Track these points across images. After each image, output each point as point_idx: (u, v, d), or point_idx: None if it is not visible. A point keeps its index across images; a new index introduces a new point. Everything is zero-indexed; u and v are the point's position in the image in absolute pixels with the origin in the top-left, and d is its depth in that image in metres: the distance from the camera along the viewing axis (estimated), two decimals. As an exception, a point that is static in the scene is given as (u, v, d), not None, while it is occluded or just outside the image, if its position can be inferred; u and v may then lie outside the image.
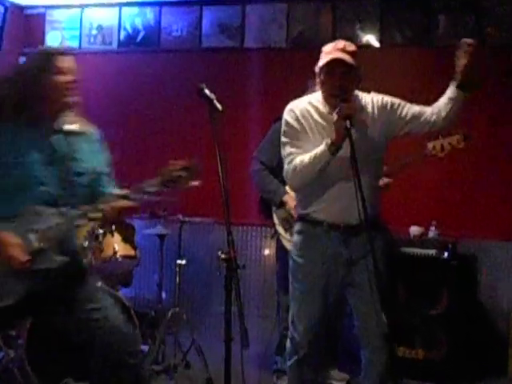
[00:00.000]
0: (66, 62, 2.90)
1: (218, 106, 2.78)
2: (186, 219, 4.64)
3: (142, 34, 6.07)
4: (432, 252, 4.71)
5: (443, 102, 3.20)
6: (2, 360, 4.16)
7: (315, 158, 3.06)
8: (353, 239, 3.20)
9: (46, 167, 2.78)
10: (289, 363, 3.34)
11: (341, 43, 3.19)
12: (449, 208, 5.07)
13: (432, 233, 4.92)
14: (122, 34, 6.19)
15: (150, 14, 6.08)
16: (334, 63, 3.10)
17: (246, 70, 5.63)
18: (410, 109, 3.24)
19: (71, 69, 2.90)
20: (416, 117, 3.23)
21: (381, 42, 5.51)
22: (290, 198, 4.10)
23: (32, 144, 2.77)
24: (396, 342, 4.41)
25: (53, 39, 6.40)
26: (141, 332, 4.37)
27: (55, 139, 2.83)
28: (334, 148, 3.00)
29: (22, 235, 2.70)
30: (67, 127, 2.88)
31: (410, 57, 5.48)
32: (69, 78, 2.86)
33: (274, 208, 4.36)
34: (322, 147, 3.05)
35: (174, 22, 5.93)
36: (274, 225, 4.40)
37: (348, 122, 2.93)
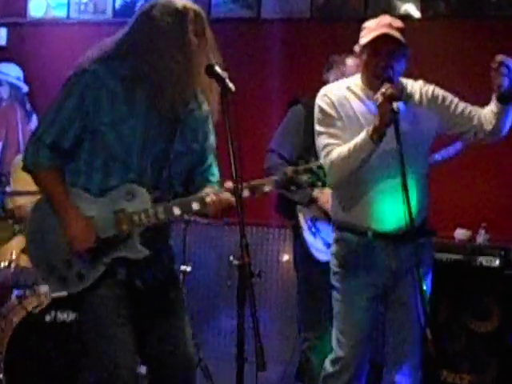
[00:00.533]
0: None
1: (231, 85, 2.76)
2: (192, 219, 4.64)
3: (140, 1, 6.09)
4: (481, 259, 4.70)
5: (489, 115, 3.22)
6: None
7: (355, 148, 3.06)
8: (402, 248, 3.21)
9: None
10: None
11: (386, 18, 3.23)
12: (501, 209, 5.06)
13: (481, 237, 4.92)
14: (118, 2, 6.25)
15: (150, -21, 6.11)
16: (380, 40, 3.12)
17: (263, 45, 5.65)
18: (465, 108, 3.27)
19: None
20: (468, 118, 3.25)
21: (422, 12, 5.51)
22: (322, 192, 4.09)
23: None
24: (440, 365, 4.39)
25: (36, 8, 6.45)
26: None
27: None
28: (377, 135, 3.00)
29: (105, 215, 2.76)
30: None
31: (455, 30, 5.48)
32: None
33: (299, 207, 4.36)
34: (362, 135, 3.04)
35: None
36: (297, 228, 4.39)
37: (395, 105, 2.93)
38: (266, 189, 2.78)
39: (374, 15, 5.28)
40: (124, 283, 2.83)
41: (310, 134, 4.24)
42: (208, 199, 2.73)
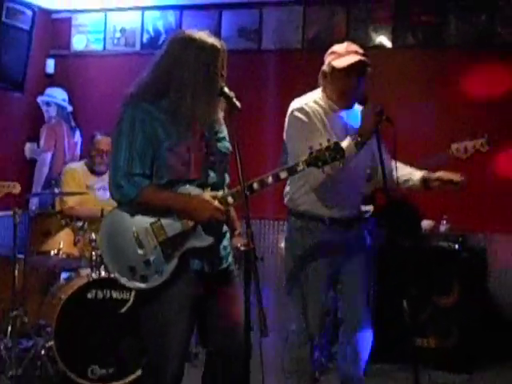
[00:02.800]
0: None
1: (237, 103, 2.76)
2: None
3: (163, 37, 6.09)
4: (443, 245, 4.72)
5: (404, 175, 3.27)
6: (32, 348, 4.22)
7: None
8: (350, 232, 3.24)
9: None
10: (294, 355, 3.33)
11: (353, 46, 3.19)
12: (459, 203, 5.05)
13: (443, 227, 4.93)
14: (145, 37, 6.23)
15: (171, 17, 6.12)
16: (355, 65, 3.09)
17: (264, 71, 5.65)
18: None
19: None
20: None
21: (393, 42, 5.50)
22: None
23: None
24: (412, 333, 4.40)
25: (78, 42, 6.45)
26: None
27: None
28: (361, 144, 2.97)
29: (170, 218, 2.74)
30: None
31: (421, 57, 5.46)
32: None
33: None
34: (346, 143, 2.95)
35: (195, 25, 5.84)
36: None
37: (384, 117, 2.93)
38: (299, 168, 2.77)
39: (356, 43, 5.32)
40: (196, 271, 2.79)
41: None
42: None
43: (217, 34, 5.71)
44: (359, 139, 2.96)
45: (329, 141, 2.81)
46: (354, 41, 5.36)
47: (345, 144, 2.97)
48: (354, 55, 3.12)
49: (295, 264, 3.27)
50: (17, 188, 3.28)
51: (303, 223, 3.24)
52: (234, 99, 2.71)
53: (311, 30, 5.65)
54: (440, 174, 3.30)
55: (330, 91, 3.20)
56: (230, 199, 2.74)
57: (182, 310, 2.79)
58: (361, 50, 3.18)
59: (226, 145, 2.90)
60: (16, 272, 4.27)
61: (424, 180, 3.28)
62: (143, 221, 2.76)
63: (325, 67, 3.21)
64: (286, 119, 3.25)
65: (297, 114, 3.18)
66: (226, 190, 2.85)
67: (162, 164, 2.75)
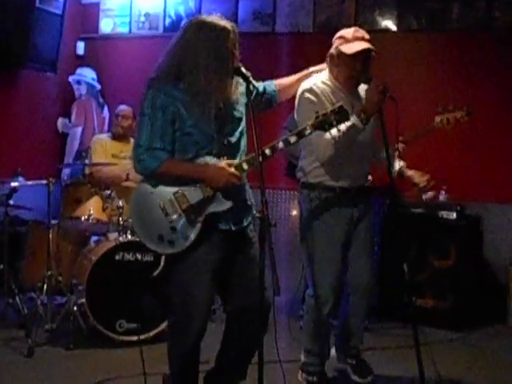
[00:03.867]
0: None
1: (254, 82, 2.77)
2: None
3: (184, 21, 6.04)
4: (442, 213, 4.69)
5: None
6: (65, 304, 4.26)
7: (349, 131, 2.97)
8: (359, 198, 3.24)
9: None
10: (312, 318, 3.30)
11: (360, 32, 3.15)
12: (457, 175, 5.04)
13: (442, 196, 4.90)
14: (167, 21, 6.22)
15: (191, 2, 6.10)
16: (364, 52, 3.06)
17: (277, 52, 5.62)
18: None
19: None
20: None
21: (398, 26, 5.44)
22: None
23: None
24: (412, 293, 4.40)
25: (106, 25, 6.44)
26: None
27: None
28: (367, 120, 2.95)
29: (191, 187, 2.75)
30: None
31: (424, 41, 5.38)
32: None
33: None
34: (353, 120, 2.94)
35: (213, 10, 5.84)
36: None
37: (388, 95, 2.92)
38: (307, 132, 2.77)
39: (364, 27, 5.23)
40: (224, 231, 2.80)
41: None
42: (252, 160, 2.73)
43: (234, 17, 5.74)
44: (363, 115, 2.94)
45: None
46: (361, 25, 5.37)
47: (352, 121, 2.96)
48: (361, 42, 3.09)
49: (310, 234, 3.25)
50: None
51: (316, 194, 3.22)
52: (251, 78, 2.73)
53: (322, 14, 5.60)
54: (411, 173, 3.38)
55: (336, 73, 3.19)
56: (244, 165, 2.74)
57: (206, 271, 2.81)
58: (367, 36, 3.14)
59: (240, 111, 2.87)
60: (50, 236, 4.31)
61: (400, 172, 3.34)
62: (167, 191, 2.77)
63: (332, 50, 3.18)
64: (297, 99, 3.21)
65: (306, 94, 3.15)
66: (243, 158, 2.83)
67: (187, 140, 2.76)
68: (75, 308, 4.10)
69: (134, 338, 3.96)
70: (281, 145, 2.78)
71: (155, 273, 4.05)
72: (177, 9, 6.15)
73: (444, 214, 4.69)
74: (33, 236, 4.78)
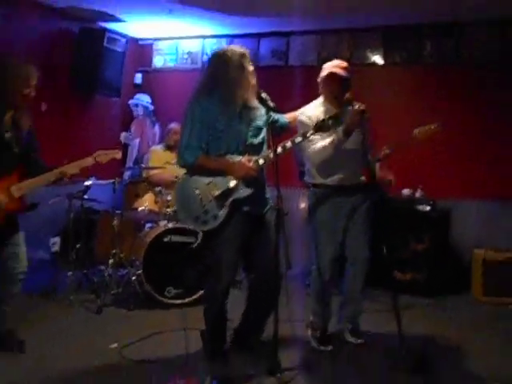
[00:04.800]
0: None
1: (271, 103, 2.80)
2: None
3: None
4: (418, 207, 4.66)
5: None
6: (126, 275, 4.30)
7: (333, 142, 3.00)
8: (352, 195, 3.22)
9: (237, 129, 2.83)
10: (316, 286, 3.31)
11: (336, 61, 3.19)
12: (431, 176, 4.99)
13: (418, 194, 4.86)
14: (204, 57, 6.17)
15: (223, 43, 6.07)
16: (330, 76, 3.11)
17: (290, 81, 5.56)
18: None
19: None
20: None
21: (384, 60, 5.38)
22: None
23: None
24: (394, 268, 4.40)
25: (158, 61, 6.44)
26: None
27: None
28: (349, 134, 2.97)
29: (219, 179, 2.80)
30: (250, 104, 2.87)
31: (407, 73, 5.31)
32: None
33: None
34: (338, 134, 2.98)
35: None
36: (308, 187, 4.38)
37: (365, 115, 2.92)
38: (309, 134, 2.83)
39: (356, 63, 5.24)
40: (246, 213, 2.83)
41: None
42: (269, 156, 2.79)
43: (256, 54, 5.73)
44: (345, 131, 2.96)
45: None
46: (354, 60, 5.37)
47: (337, 135, 3.00)
48: (332, 68, 3.13)
49: (313, 222, 3.27)
50: (119, 154, 3.28)
51: (317, 191, 3.24)
52: (269, 101, 2.79)
53: (324, 51, 5.55)
54: (380, 174, 3.38)
55: (323, 96, 3.22)
56: (261, 161, 2.80)
57: (233, 245, 2.84)
58: (342, 65, 3.15)
59: (262, 121, 2.90)
60: (115, 222, 4.35)
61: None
62: (202, 181, 2.82)
63: (318, 79, 3.22)
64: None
65: (300, 117, 3.19)
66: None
67: (220, 140, 2.80)
68: (134, 278, 4.13)
69: (179, 301, 4.01)
70: (289, 144, 2.83)
71: (194, 245, 4.08)
72: (212, 48, 6.13)
73: (420, 207, 4.66)
74: (102, 223, 4.83)
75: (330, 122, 2.79)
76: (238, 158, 2.79)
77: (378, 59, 5.40)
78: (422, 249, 4.57)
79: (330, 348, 3.27)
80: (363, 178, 3.32)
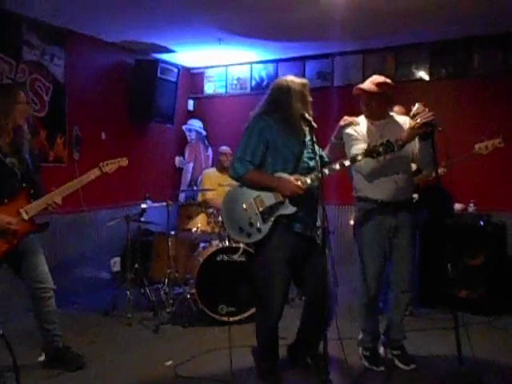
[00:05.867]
0: None
1: (314, 124, 2.77)
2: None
3: (265, 81, 6.10)
4: (471, 221, 4.45)
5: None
6: (181, 293, 4.33)
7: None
8: (399, 212, 3.08)
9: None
10: (362, 302, 3.20)
11: (372, 77, 3.12)
12: (483, 189, 4.76)
13: (471, 208, 4.65)
14: (253, 83, 6.25)
15: (270, 67, 6.12)
16: (358, 91, 3.07)
17: (335, 101, 5.53)
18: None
19: None
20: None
21: (430, 76, 5.24)
22: None
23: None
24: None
25: (209, 88, 6.57)
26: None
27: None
28: (402, 146, 2.87)
29: (268, 193, 2.81)
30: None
31: (452, 87, 5.14)
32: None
33: None
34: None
35: (287, 72, 5.76)
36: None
37: (428, 129, 2.80)
38: (359, 158, 2.79)
39: (402, 80, 5.12)
40: (296, 233, 2.81)
41: None
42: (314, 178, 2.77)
43: (302, 76, 5.70)
44: (400, 142, 2.84)
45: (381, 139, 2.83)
46: (399, 77, 5.26)
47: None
48: (360, 85, 3.09)
49: (360, 236, 3.17)
50: (125, 161, 3.26)
51: (363, 205, 3.14)
52: (312, 122, 2.78)
53: (368, 70, 5.47)
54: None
55: (365, 112, 3.16)
56: (308, 180, 2.77)
57: (282, 267, 2.80)
58: (378, 80, 3.07)
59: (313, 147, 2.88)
60: (169, 243, 4.41)
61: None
62: (249, 195, 2.83)
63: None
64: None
65: (346, 129, 3.14)
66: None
67: (278, 155, 2.83)
68: (188, 296, 4.17)
69: (232, 318, 3.99)
70: (337, 166, 2.78)
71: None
72: (260, 73, 6.20)
73: (473, 222, 4.45)
74: (158, 243, 4.90)
75: (381, 148, 2.72)
76: (286, 176, 2.78)
77: (423, 74, 5.27)
78: (477, 265, 4.34)
79: (381, 369, 3.13)
80: (415, 195, 3.19)
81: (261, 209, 2.79)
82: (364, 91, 3.07)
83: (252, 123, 2.85)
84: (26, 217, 2.95)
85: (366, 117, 3.13)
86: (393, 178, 3.05)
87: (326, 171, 2.76)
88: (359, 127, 3.11)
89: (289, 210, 2.77)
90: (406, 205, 3.12)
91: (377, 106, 3.07)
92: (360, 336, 3.29)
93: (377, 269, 3.11)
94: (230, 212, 2.87)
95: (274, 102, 2.87)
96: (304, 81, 2.90)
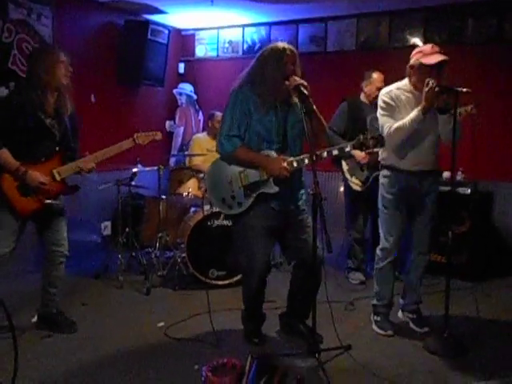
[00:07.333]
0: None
1: (305, 91, 2.69)
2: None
3: (258, 45, 5.99)
4: (459, 189, 4.47)
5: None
6: (172, 257, 4.36)
7: (411, 121, 2.93)
8: (424, 180, 3.10)
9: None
10: (380, 266, 3.21)
11: (436, 47, 3.00)
12: (471, 158, 4.72)
13: (459, 176, 4.67)
14: (245, 46, 6.14)
15: (263, 31, 6.00)
16: (441, 63, 2.93)
17: (328, 66, 5.47)
18: None
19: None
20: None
21: (424, 42, 5.13)
22: (356, 152, 3.97)
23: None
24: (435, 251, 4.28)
25: (200, 51, 6.45)
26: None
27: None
28: (425, 111, 2.88)
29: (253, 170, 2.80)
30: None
31: (446, 53, 5.05)
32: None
33: (342, 160, 4.23)
34: (415, 112, 2.91)
35: (279, 36, 5.82)
36: (342, 172, 4.29)
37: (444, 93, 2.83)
38: (347, 149, 2.74)
39: (395, 46, 5.05)
40: (273, 208, 2.82)
41: (350, 119, 4.12)
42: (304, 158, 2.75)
43: (295, 41, 5.63)
44: (422, 108, 2.88)
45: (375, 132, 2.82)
46: (393, 42, 5.19)
47: (414, 112, 2.93)
48: (438, 55, 2.95)
49: (384, 202, 3.17)
50: (159, 135, 3.35)
51: (389, 173, 3.15)
52: (302, 88, 2.66)
53: (362, 36, 5.41)
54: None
55: (414, 81, 3.05)
56: (294, 163, 2.74)
57: (261, 233, 2.82)
58: (441, 50, 2.98)
59: (297, 119, 2.81)
60: (161, 207, 4.41)
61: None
62: (235, 169, 2.82)
63: (412, 62, 3.04)
64: (379, 99, 3.15)
65: (383, 96, 3.10)
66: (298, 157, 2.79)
67: (251, 130, 2.78)
68: (179, 260, 4.18)
69: (222, 282, 4.04)
70: (325, 154, 2.75)
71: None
72: (252, 37, 6.08)
73: (461, 190, 4.47)
74: (148, 207, 4.91)
75: (371, 142, 2.68)
76: (273, 154, 2.75)
77: (417, 41, 5.17)
78: (463, 231, 4.39)
79: (389, 332, 3.19)
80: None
81: (244, 184, 2.80)
82: (446, 63, 2.93)
83: (232, 97, 2.78)
84: (58, 178, 3.00)
85: (416, 86, 3.02)
86: (419, 149, 3.05)
87: (314, 157, 2.65)
88: (399, 97, 3.05)
89: (272, 189, 2.78)
90: (431, 174, 3.14)
91: (438, 78, 2.95)
92: (373, 301, 3.32)
93: (399, 235, 3.15)
94: (215, 182, 2.88)
95: (255, 69, 2.79)
96: (288, 47, 2.76)
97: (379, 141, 2.69)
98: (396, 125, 2.98)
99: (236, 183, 2.81)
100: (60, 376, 2.65)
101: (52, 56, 2.94)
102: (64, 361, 2.81)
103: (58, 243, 3.12)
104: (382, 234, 3.20)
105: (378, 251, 3.24)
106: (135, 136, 3.25)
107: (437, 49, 2.98)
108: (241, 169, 2.80)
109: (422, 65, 2.96)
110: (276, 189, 2.77)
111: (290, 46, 2.77)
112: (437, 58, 2.92)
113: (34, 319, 3.25)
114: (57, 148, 3.01)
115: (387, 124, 3.02)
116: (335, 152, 2.75)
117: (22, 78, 3.18)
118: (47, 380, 2.60)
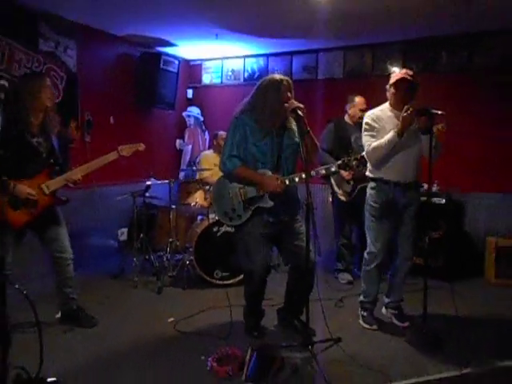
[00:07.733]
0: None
1: (301, 113, 2.70)
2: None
3: (257, 74, 6.01)
4: (435, 199, 4.48)
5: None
6: (181, 260, 4.32)
7: (388, 141, 2.94)
8: (407, 191, 3.09)
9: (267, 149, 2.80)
10: (368, 268, 3.19)
11: (405, 70, 3.03)
12: (446, 171, 4.77)
13: (435, 188, 4.67)
14: (246, 74, 6.16)
15: (262, 61, 6.02)
16: (400, 81, 2.96)
17: (319, 92, 5.49)
18: None
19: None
20: None
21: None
22: (341, 171, 3.95)
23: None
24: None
25: (206, 78, 6.46)
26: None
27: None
28: (401, 134, 2.90)
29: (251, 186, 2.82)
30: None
31: (423, 81, 5.06)
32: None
33: (331, 176, 4.25)
34: (391, 134, 2.92)
35: (276, 65, 5.85)
36: (331, 185, 4.30)
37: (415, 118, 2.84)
38: (333, 169, 2.75)
39: (378, 74, 5.08)
40: (266, 220, 2.82)
41: (336, 138, 4.12)
42: (296, 178, 2.75)
43: (289, 69, 5.67)
44: (398, 131, 2.90)
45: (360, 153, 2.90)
46: (375, 71, 5.23)
47: (390, 133, 2.94)
48: (400, 75, 2.98)
49: (371, 211, 3.16)
50: (142, 146, 3.21)
51: (376, 185, 3.14)
52: (299, 111, 2.66)
53: (349, 65, 5.44)
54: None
55: (391, 101, 3.08)
56: (287, 181, 2.76)
57: (259, 240, 2.84)
58: (410, 73, 2.99)
59: (291, 141, 2.83)
60: (171, 216, 4.41)
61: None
62: (235, 186, 2.84)
63: (387, 85, 3.09)
64: (364, 120, 3.15)
65: (366, 118, 3.11)
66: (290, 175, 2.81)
67: (248, 153, 2.80)
68: (187, 262, 4.18)
69: (226, 282, 4.03)
70: (313, 173, 2.76)
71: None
72: (252, 66, 6.10)
73: (436, 200, 4.48)
74: (161, 216, 4.89)
75: (354, 163, 2.70)
76: (269, 173, 2.77)
77: (397, 70, 5.16)
78: (439, 237, 4.39)
79: (374, 327, 3.18)
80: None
81: (244, 198, 2.82)
82: (406, 80, 2.96)
83: (232, 123, 2.82)
84: (46, 191, 2.94)
85: (396, 108, 3.03)
86: (404, 162, 3.05)
87: (304, 175, 2.67)
88: (381, 117, 3.07)
89: (267, 203, 2.80)
90: (413, 185, 3.13)
91: (410, 98, 2.99)
92: (360, 298, 3.31)
93: (385, 241, 3.13)
94: (219, 197, 2.92)
95: (254, 98, 2.81)
96: (285, 78, 2.77)
97: (361, 162, 2.73)
98: (374, 144, 2.99)
99: (236, 198, 2.84)
100: (80, 368, 2.63)
101: (37, 81, 2.92)
102: (84, 351, 2.80)
103: (60, 250, 3.05)
104: (369, 240, 3.19)
105: (365, 255, 3.22)
106: (119, 148, 3.12)
107: (403, 71, 3.01)
108: (240, 185, 2.84)
109: (389, 84, 3.04)
110: (271, 203, 2.79)
111: (286, 77, 2.81)
112: (396, 77, 2.97)
113: (58, 315, 3.23)
114: (44, 164, 2.96)
115: (367, 142, 3.05)
116: (322, 172, 2.79)
117: (7, 102, 3.10)
118: (68, 371, 2.58)
